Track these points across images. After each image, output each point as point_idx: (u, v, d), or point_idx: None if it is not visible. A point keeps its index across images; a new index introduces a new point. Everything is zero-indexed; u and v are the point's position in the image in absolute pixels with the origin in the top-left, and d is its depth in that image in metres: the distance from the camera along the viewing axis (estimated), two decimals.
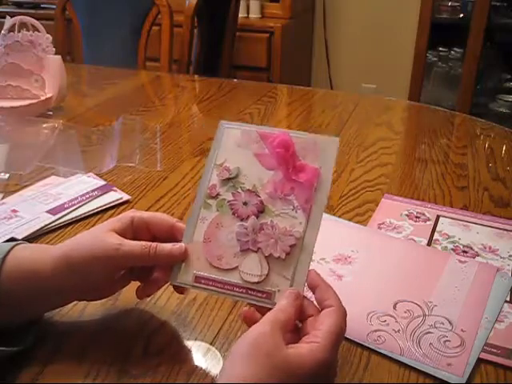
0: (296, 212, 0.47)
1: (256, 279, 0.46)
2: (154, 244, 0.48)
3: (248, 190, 0.49)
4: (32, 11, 2.46)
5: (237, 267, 0.47)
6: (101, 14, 1.79)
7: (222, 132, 0.55)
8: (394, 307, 0.55)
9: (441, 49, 2.54)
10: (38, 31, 1.09)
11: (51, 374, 0.47)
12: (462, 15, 2.43)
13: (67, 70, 1.13)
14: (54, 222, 0.70)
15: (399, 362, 0.49)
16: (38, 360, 0.48)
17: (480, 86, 2.42)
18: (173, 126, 1.07)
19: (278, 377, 0.38)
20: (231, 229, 0.48)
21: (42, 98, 1.07)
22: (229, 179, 0.50)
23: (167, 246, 0.48)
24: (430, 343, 0.50)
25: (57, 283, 0.48)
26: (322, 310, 0.44)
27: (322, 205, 0.47)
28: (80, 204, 0.73)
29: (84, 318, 0.53)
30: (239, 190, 0.49)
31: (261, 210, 0.48)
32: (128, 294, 0.57)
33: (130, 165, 0.87)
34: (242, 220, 0.48)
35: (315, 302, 0.45)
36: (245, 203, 0.48)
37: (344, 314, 0.43)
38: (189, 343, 0.51)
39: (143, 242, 0.48)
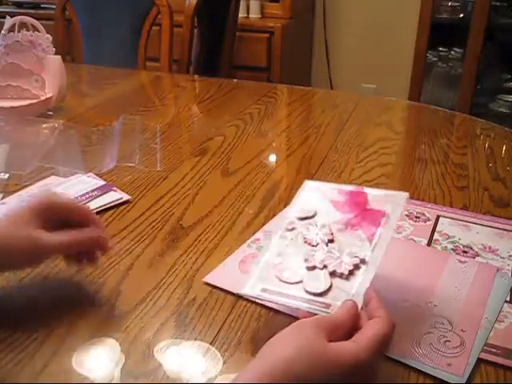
0: (362, 242, 0.51)
1: (318, 290, 0.48)
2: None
3: (322, 224, 0.54)
4: (32, 11, 2.46)
5: (301, 281, 0.50)
6: (101, 14, 1.79)
7: (303, 187, 0.60)
8: (394, 307, 0.55)
9: (441, 49, 2.54)
10: (38, 31, 1.09)
11: (51, 373, 0.47)
12: (462, 15, 2.43)
13: (67, 70, 1.13)
14: None
15: (399, 362, 0.49)
16: (38, 360, 0.48)
17: (480, 86, 2.42)
18: (173, 126, 1.07)
19: (312, 361, 0.39)
20: (301, 252, 0.52)
21: (42, 97, 1.07)
22: (306, 218, 0.55)
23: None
24: (430, 343, 0.50)
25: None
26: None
27: (387, 238, 0.51)
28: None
29: (84, 319, 0.53)
30: (313, 225, 0.54)
31: (331, 240, 0.52)
32: (128, 294, 0.57)
33: (130, 165, 0.87)
34: (311, 246, 0.52)
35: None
36: (316, 234, 0.53)
37: (391, 325, 0.44)
38: (189, 343, 0.51)
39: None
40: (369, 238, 0.52)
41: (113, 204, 0.74)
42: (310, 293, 0.48)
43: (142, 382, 0.46)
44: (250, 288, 0.51)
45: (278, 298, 0.49)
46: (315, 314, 0.46)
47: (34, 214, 0.52)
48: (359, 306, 0.46)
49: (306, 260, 0.51)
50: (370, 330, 0.43)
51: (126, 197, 0.76)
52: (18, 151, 0.91)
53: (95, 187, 0.77)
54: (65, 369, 0.47)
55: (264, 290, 0.50)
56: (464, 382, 0.47)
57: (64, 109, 1.12)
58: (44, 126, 0.99)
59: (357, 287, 0.48)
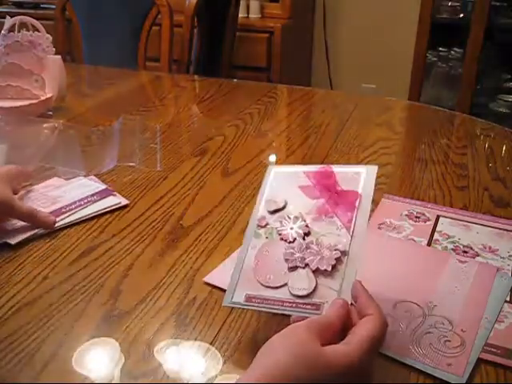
0: (340, 231, 0.50)
1: (304, 292, 0.47)
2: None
3: (295, 217, 0.52)
4: (32, 11, 2.46)
5: (285, 284, 0.49)
6: (101, 14, 1.79)
7: (269, 173, 0.58)
8: (394, 307, 0.55)
9: (441, 49, 2.54)
10: (38, 31, 1.09)
11: (51, 374, 0.47)
12: (462, 15, 2.43)
13: (67, 70, 1.13)
14: None
15: (399, 362, 0.49)
16: (37, 359, 0.48)
17: (480, 86, 2.42)
18: (173, 125, 1.07)
19: (308, 366, 0.39)
20: (279, 251, 0.51)
21: (42, 97, 1.07)
22: (277, 210, 0.54)
23: (44, 213, 0.68)
24: (430, 343, 0.50)
25: None
26: (362, 318, 0.44)
27: (364, 223, 0.49)
28: (78, 209, 0.73)
29: (84, 318, 0.53)
30: (286, 218, 0.52)
31: (306, 233, 0.51)
32: (128, 294, 0.57)
33: (130, 165, 0.87)
34: (289, 243, 0.51)
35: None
36: (291, 228, 0.51)
37: (384, 323, 0.44)
38: (188, 343, 0.51)
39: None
40: (346, 226, 0.50)
41: (110, 209, 0.74)
42: (297, 296, 0.47)
43: (142, 382, 0.46)
44: (235, 297, 0.50)
45: (266, 305, 0.48)
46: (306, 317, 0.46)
47: (7, 178, 0.67)
48: (348, 303, 0.46)
49: (286, 260, 0.50)
50: (362, 331, 0.42)
51: (124, 201, 0.75)
52: (18, 151, 0.91)
53: (95, 191, 0.77)
54: (65, 369, 0.47)
55: (249, 298, 0.49)
56: (464, 381, 0.47)
57: (64, 109, 1.12)
58: (44, 125, 0.99)
59: (342, 284, 0.47)
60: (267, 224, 0.53)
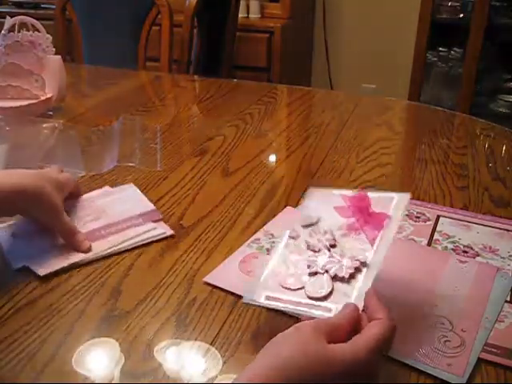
0: (364, 245, 0.52)
1: (319, 295, 0.49)
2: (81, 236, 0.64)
3: (324, 231, 0.55)
4: (32, 11, 2.46)
5: (303, 287, 0.50)
6: (101, 14, 1.79)
7: (308, 194, 0.62)
8: (394, 307, 0.55)
9: (441, 49, 2.54)
10: (38, 31, 1.09)
11: (51, 373, 0.47)
12: (462, 15, 2.43)
13: (67, 70, 1.13)
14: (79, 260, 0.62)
15: (399, 362, 0.49)
16: (38, 359, 0.48)
17: (480, 86, 2.42)
18: (173, 126, 1.07)
19: (311, 362, 0.39)
20: (303, 258, 0.53)
21: (42, 97, 1.07)
22: (310, 225, 0.57)
23: (81, 237, 0.63)
24: (430, 343, 0.50)
25: None
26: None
27: (388, 239, 0.52)
28: (118, 233, 0.66)
29: (84, 318, 0.53)
30: (316, 231, 0.56)
31: (332, 245, 0.53)
32: (128, 295, 0.57)
33: (130, 165, 0.87)
34: (313, 252, 0.53)
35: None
36: (319, 240, 0.54)
37: (392, 327, 0.44)
38: (189, 343, 0.51)
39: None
40: (370, 242, 0.52)
41: (153, 239, 0.67)
42: (312, 298, 0.49)
43: (142, 382, 0.46)
44: (256, 296, 0.51)
45: (281, 304, 0.50)
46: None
47: (61, 186, 0.65)
48: (360, 308, 0.46)
49: (308, 266, 0.52)
50: (369, 332, 0.43)
51: (169, 232, 0.68)
52: (18, 151, 0.91)
53: (141, 212, 0.70)
54: (65, 369, 0.47)
55: (267, 298, 0.50)
56: (464, 382, 0.47)
57: (64, 109, 1.12)
58: (44, 125, 0.99)
59: (357, 290, 0.48)
60: (298, 236, 0.56)
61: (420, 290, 0.58)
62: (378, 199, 0.56)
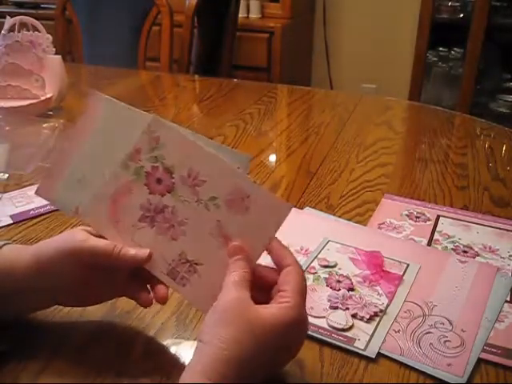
0: (380, 296, 0.57)
1: (341, 326, 0.53)
2: (119, 244, 0.48)
3: (341, 274, 0.60)
4: (32, 11, 2.46)
5: (325, 316, 0.54)
6: (101, 14, 1.79)
7: (324, 242, 0.67)
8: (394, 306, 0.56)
9: (441, 49, 2.54)
10: (38, 31, 1.09)
11: (51, 373, 0.47)
12: (462, 15, 2.43)
13: (67, 70, 1.13)
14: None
15: (399, 361, 0.49)
16: (38, 360, 0.48)
17: (480, 86, 2.42)
18: None
19: (254, 333, 0.39)
20: (324, 294, 0.57)
21: (42, 98, 1.07)
22: (327, 266, 0.62)
23: (132, 250, 0.48)
24: (430, 343, 0.50)
25: (29, 282, 0.48)
26: (280, 269, 0.45)
27: (402, 298, 0.57)
28: (47, 211, 0.72)
29: (84, 318, 0.53)
30: (334, 274, 0.60)
31: (351, 288, 0.58)
32: None
33: None
34: (333, 290, 0.58)
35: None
36: (338, 281, 0.59)
37: (302, 270, 0.45)
38: (189, 343, 0.51)
39: (109, 241, 0.48)
40: (387, 295, 0.57)
41: None
42: (333, 327, 0.53)
43: (142, 383, 0.46)
44: None
45: None
46: (337, 347, 0.50)
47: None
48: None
49: (329, 300, 0.56)
50: (290, 286, 0.43)
51: None
52: (18, 151, 0.91)
53: None
54: (65, 369, 0.47)
55: None
56: (464, 382, 0.47)
57: (64, 109, 1.12)
58: (44, 125, 0.99)
59: (376, 331, 0.52)
60: (316, 272, 0.61)
61: (420, 289, 0.58)
62: (391, 261, 0.63)
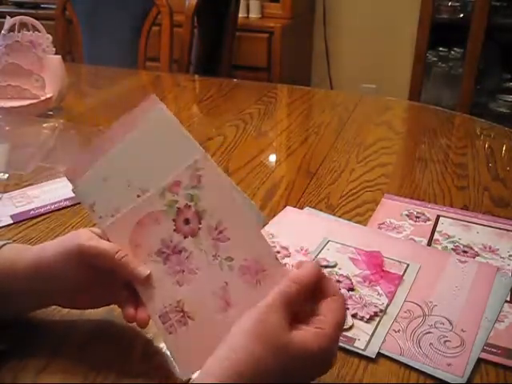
0: (380, 296, 0.57)
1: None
2: (124, 251, 0.47)
3: (341, 274, 0.61)
4: (32, 11, 2.46)
5: None
6: (101, 14, 1.79)
7: (324, 242, 0.67)
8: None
9: (441, 49, 2.54)
10: (38, 31, 1.09)
11: (51, 373, 0.47)
12: (462, 15, 2.43)
13: (67, 69, 1.13)
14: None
15: (399, 361, 0.49)
16: (38, 360, 0.48)
17: (480, 86, 2.42)
18: None
19: (279, 357, 0.38)
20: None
21: (42, 98, 1.07)
22: (327, 266, 0.62)
23: (134, 262, 0.47)
24: (430, 343, 0.50)
25: (28, 282, 0.48)
26: (324, 295, 0.43)
27: (402, 298, 0.57)
28: (47, 211, 0.72)
29: (84, 318, 0.53)
30: (334, 274, 0.60)
31: (351, 288, 0.58)
32: None
33: None
34: None
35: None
36: (338, 281, 0.59)
37: (344, 301, 0.44)
38: None
39: (114, 245, 0.47)
40: (387, 295, 0.57)
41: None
42: None
43: (142, 382, 0.46)
44: None
45: None
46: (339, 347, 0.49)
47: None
48: (321, 270, 0.44)
49: None
50: (332, 314, 0.41)
51: None
52: (18, 151, 0.91)
53: (69, 196, 0.75)
54: (65, 369, 0.47)
55: None
56: (464, 382, 0.47)
57: (64, 109, 1.12)
58: (44, 125, 0.99)
59: (375, 331, 0.52)
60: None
61: (420, 289, 0.58)
62: (391, 261, 0.63)
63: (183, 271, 0.46)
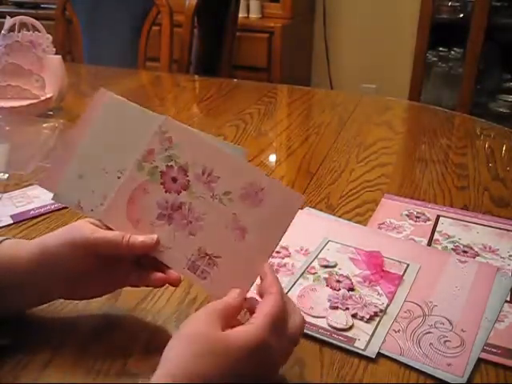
0: (380, 296, 0.57)
1: (341, 326, 0.53)
2: (127, 234, 0.48)
3: (341, 274, 0.60)
4: (32, 11, 2.46)
5: (325, 316, 0.54)
6: (101, 14, 1.79)
7: (324, 242, 0.67)
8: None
9: (441, 49, 2.54)
10: (38, 31, 1.09)
11: (51, 373, 0.47)
12: (461, 15, 2.43)
13: (67, 69, 1.13)
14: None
15: (399, 362, 0.49)
16: (38, 360, 0.48)
17: (480, 86, 2.42)
18: None
19: (215, 353, 0.39)
20: (324, 294, 0.57)
21: (42, 98, 1.07)
22: (327, 266, 0.62)
23: (140, 237, 0.48)
24: (430, 343, 0.50)
25: (30, 276, 0.48)
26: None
27: (402, 298, 0.57)
28: (47, 211, 0.72)
29: (84, 318, 0.53)
30: (334, 274, 0.61)
31: (351, 288, 0.58)
32: (129, 294, 0.57)
33: None
34: (333, 290, 0.58)
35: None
36: (338, 281, 0.59)
37: (282, 300, 0.44)
38: None
39: (116, 232, 0.49)
40: (387, 295, 0.57)
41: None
42: (334, 327, 0.53)
43: (142, 382, 0.46)
44: None
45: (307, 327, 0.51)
46: (337, 346, 0.50)
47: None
48: (245, 291, 0.46)
49: (329, 300, 0.56)
50: (261, 310, 0.42)
51: None
52: (18, 151, 0.91)
53: None
54: (65, 369, 0.47)
55: None
56: (464, 382, 0.47)
57: (64, 109, 1.12)
58: (44, 125, 0.99)
59: (375, 331, 0.52)
60: (316, 272, 0.61)
61: (420, 289, 0.58)
62: (391, 261, 0.63)
63: (191, 222, 0.48)
